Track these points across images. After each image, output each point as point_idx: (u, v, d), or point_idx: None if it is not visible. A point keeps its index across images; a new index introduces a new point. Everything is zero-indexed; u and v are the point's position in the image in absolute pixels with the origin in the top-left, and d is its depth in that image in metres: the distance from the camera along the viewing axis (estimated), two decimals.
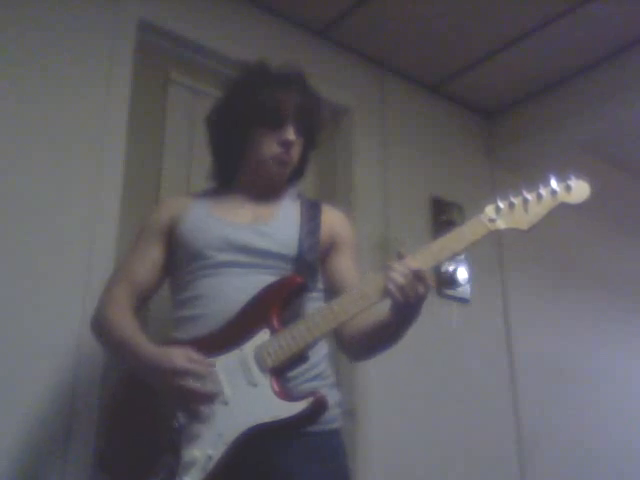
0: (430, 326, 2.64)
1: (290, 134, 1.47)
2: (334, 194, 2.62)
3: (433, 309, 2.67)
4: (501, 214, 1.26)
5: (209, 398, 1.24)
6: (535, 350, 2.99)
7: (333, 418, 1.38)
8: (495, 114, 3.27)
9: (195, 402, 1.25)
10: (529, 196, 1.27)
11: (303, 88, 1.53)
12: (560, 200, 1.26)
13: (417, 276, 1.23)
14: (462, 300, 2.77)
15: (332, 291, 1.49)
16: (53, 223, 1.83)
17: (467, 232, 1.26)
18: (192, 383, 1.24)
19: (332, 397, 1.38)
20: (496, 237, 1.32)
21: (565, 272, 3.33)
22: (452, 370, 2.67)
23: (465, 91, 3.11)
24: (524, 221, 1.26)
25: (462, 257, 2.71)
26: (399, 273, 1.24)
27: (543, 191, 1.26)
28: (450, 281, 2.70)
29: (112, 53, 2.07)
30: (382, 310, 1.34)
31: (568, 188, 1.25)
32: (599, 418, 3.19)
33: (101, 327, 1.42)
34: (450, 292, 2.73)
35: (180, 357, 1.25)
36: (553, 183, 1.26)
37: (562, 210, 1.26)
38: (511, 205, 1.27)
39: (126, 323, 1.37)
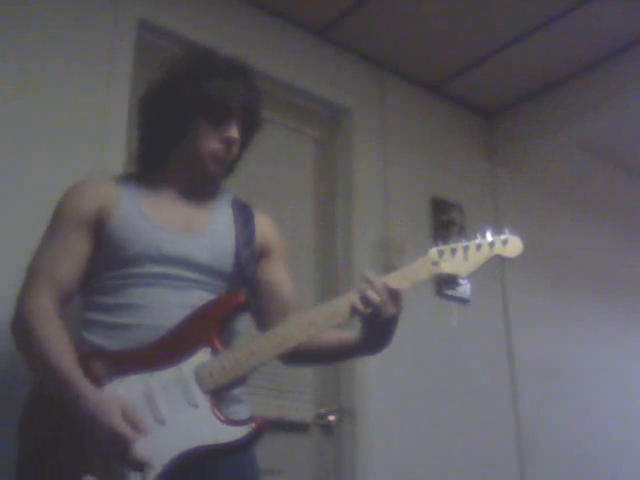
0: (430, 326, 2.65)
1: (234, 132, 1.39)
2: (334, 194, 2.63)
3: (433, 309, 2.67)
4: (443, 258, 1.34)
5: (132, 463, 1.16)
6: (535, 350, 2.99)
7: None
8: (495, 114, 3.27)
9: (117, 461, 1.17)
10: (469, 244, 1.34)
11: (250, 84, 1.46)
12: (496, 252, 1.34)
13: (392, 295, 1.27)
14: (462, 300, 2.77)
15: (266, 302, 1.45)
16: None
17: (413, 272, 1.33)
18: (123, 447, 1.14)
19: (247, 414, 1.33)
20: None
21: (565, 272, 3.33)
22: (452, 370, 2.67)
23: (465, 91, 3.11)
24: (463, 268, 1.34)
25: None
26: (374, 290, 1.27)
27: (482, 242, 1.34)
28: (450, 281, 2.69)
29: (112, 53, 2.08)
30: (345, 331, 1.38)
31: (505, 242, 1.34)
32: (599, 418, 3.19)
33: (27, 341, 1.26)
34: (450, 292, 2.72)
35: (117, 414, 1.15)
36: (489, 236, 1.34)
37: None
38: (453, 251, 1.34)
39: (61, 349, 1.22)
